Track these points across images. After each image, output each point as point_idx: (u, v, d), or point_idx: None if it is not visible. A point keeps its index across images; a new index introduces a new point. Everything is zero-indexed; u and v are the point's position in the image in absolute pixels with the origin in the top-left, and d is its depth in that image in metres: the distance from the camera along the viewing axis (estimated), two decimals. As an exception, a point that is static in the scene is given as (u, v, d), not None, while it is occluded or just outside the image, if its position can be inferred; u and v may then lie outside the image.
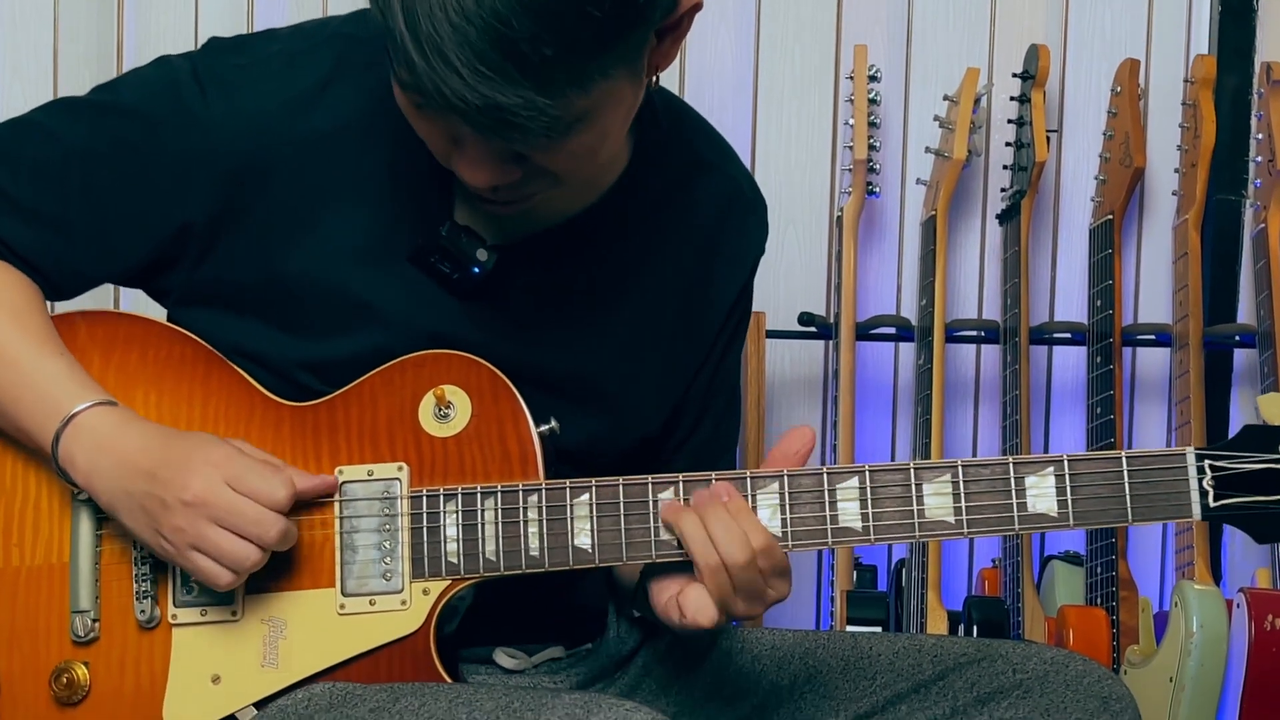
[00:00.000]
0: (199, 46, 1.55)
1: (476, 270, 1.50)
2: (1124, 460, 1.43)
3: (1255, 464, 1.42)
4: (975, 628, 2.42)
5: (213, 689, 1.48)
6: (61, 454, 1.47)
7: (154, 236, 1.52)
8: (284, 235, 1.50)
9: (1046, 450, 2.66)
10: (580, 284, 1.56)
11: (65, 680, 1.49)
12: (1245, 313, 2.66)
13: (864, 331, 2.58)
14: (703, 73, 2.59)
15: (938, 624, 2.45)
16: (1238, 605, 2.29)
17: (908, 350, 2.64)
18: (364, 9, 1.54)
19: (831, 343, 2.58)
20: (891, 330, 2.61)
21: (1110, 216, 2.54)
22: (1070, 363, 2.67)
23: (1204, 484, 1.43)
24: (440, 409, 1.50)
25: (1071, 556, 2.54)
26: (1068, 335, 2.62)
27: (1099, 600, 2.44)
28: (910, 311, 2.62)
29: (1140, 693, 2.33)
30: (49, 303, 1.56)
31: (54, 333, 1.53)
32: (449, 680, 1.47)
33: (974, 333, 2.64)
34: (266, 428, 1.51)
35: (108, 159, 1.50)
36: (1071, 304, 2.67)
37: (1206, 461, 1.42)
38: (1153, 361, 2.69)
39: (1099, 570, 2.45)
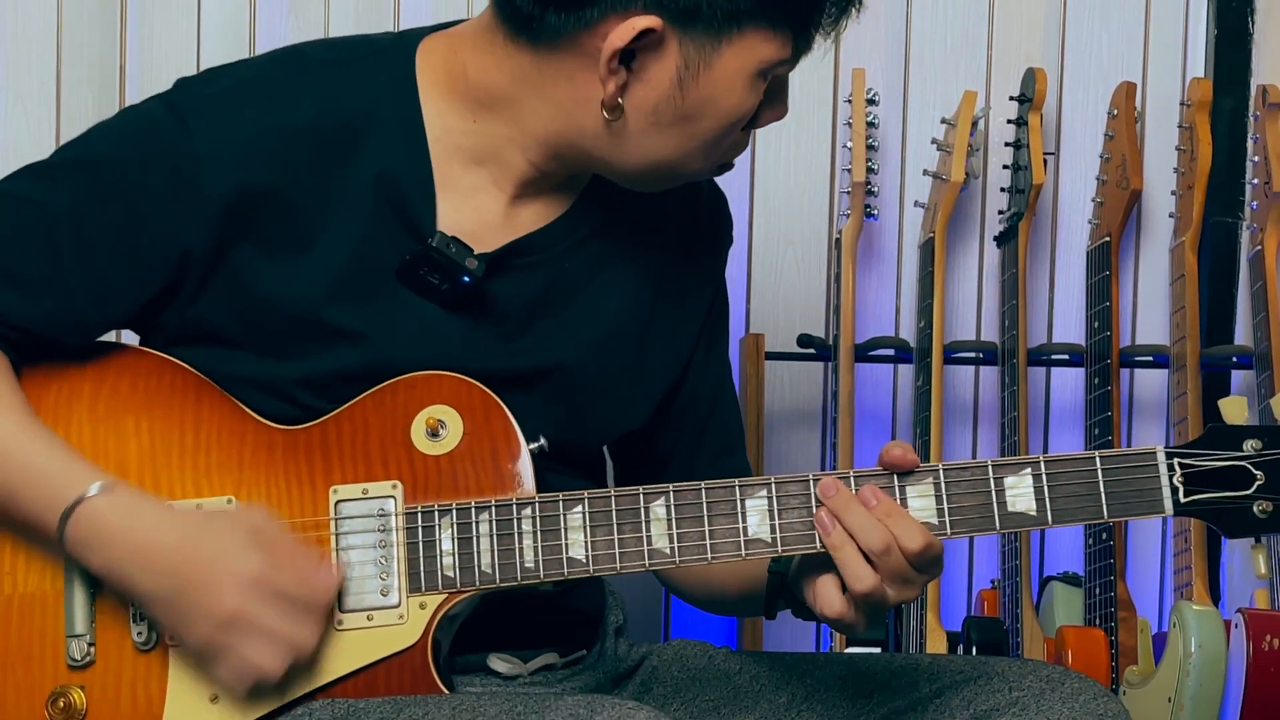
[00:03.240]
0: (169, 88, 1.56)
1: (467, 279, 1.52)
2: (1098, 459, 1.49)
3: (1221, 462, 1.48)
4: (974, 648, 2.42)
5: (212, 708, 1.48)
6: (71, 546, 1.46)
7: (156, 272, 1.52)
8: (276, 256, 1.51)
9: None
10: (558, 287, 1.59)
11: (62, 704, 1.48)
12: (1242, 334, 2.67)
13: (863, 353, 2.59)
14: (702, 96, 2.60)
15: (937, 644, 2.45)
16: (1236, 625, 2.29)
17: (906, 372, 2.64)
18: (337, 38, 1.58)
19: (830, 364, 2.59)
20: (890, 352, 2.62)
21: (1107, 238, 2.55)
22: (1068, 384, 2.68)
23: (1174, 481, 1.49)
24: (431, 430, 1.51)
25: (1070, 577, 2.54)
26: (1066, 357, 2.63)
27: (1098, 621, 2.44)
28: (909, 333, 2.63)
29: (1139, 713, 2.34)
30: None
31: (31, 410, 1.51)
32: (447, 693, 1.47)
33: (972, 354, 2.65)
34: (259, 450, 1.52)
35: (96, 211, 1.50)
36: (1069, 326, 2.68)
37: (1175, 460, 1.49)
38: (1150, 383, 2.69)
39: (1098, 591, 2.45)
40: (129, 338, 1.64)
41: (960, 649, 2.45)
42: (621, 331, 1.63)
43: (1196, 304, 2.54)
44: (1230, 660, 2.30)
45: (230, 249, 1.51)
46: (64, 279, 1.51)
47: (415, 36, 1.60)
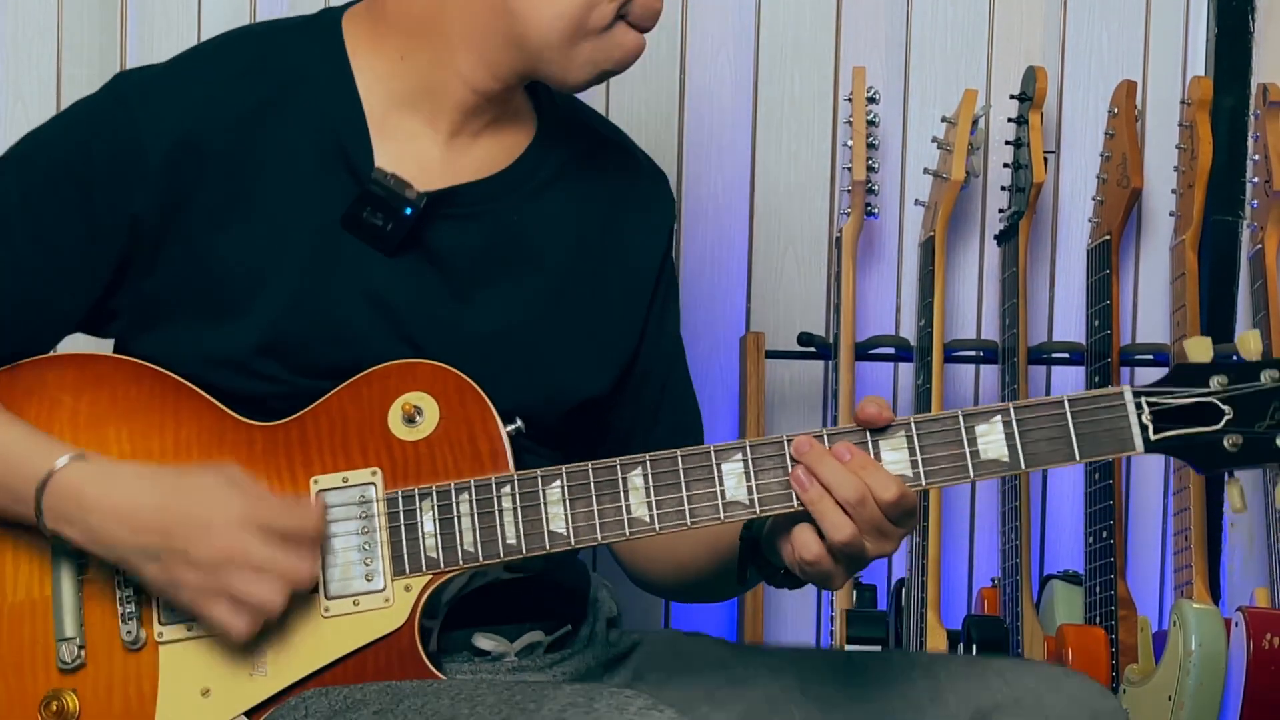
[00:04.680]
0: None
1: (409, 211, 1.55)
2: (1066, 403, 1.50)
3: (1187, 399, 1.50)
4: (975, 646, 2.43)
5: (203, 702, 1.49)
6: (50, 521, 1.47)
7: (111, 244, 1.55)
8: (223, 220, 1.55)
9: (1046, 475, 2.66)
10: (500, 242, 1.62)
11: (55, 708, 1.49)
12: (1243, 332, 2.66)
13: (863, 352, 2.59)
14: (702, 95, 2.60)
15: (937, 643, 2.45)
16: (1236, 624, 2.29)
17: (907, 370, 2.65)
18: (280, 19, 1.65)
19: (831, 363, 2.59)
20: (890, 350, 2.62)
21: (1108, 237, 2.55)
22: (1069, 382, 2.67)
23: (1143, 419, 1.50)
24: (408, 416, 1.53)
25: (1071, 576, 2.54)
26: (1066, 355, 2.63)
27: (1098, 619, 2.44)
28: (909, 332, 2.63)
29: (1139, 711, 2.34)
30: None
31: None
32: (436, 674, 1.49)
33: (972, 353, 2.65)
34: (239, 448, 1.54)
35: (46, 193, 1.55)
36: (1070, 324, 2.68)
37: (1143, 398, 1.50)
38: (1151, 380, 2.69)
39: (1098, 590, 2.45)
40: (95, 345, 1.65)
41: (961, 648, 2.45)
42: (569, 294, 1.66)
43: (1197, 302, 2.54)
44: (1230, 659, 2.30)
45: (178, 212, 1.54)
46: (20, 263, 1.55)
47: (341, 9, 1.66)
